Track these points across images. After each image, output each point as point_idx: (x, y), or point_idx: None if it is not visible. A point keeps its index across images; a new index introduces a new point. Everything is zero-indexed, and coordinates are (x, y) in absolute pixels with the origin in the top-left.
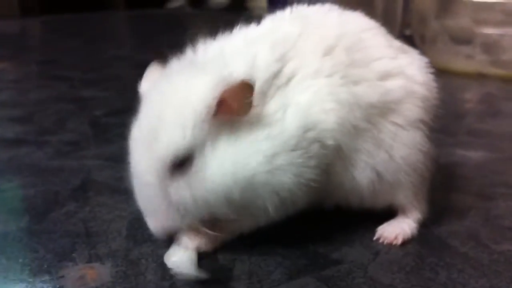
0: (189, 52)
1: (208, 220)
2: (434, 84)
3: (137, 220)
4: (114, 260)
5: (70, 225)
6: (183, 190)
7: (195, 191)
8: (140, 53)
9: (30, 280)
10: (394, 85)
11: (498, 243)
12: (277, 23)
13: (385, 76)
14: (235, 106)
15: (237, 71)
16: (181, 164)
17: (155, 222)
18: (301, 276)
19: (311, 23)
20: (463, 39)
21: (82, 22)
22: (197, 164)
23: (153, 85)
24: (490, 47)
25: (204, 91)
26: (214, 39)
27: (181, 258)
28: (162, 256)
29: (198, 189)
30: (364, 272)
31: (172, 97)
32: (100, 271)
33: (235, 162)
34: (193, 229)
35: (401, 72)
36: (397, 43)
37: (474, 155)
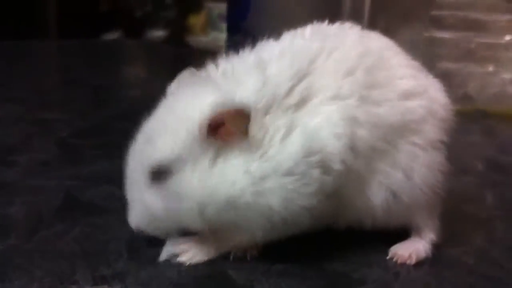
0: (209, 66)
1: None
2: (452, 107)
3: (136, 241)
4: (122, 282)
5: (63, 245)
6: (156, 198)
7: (167, 203)
8: (89, 78)
9: None
10: (416, 104)
11: (510, 262)
12: (297, 41)
13: (407, 95)
14: (231, 130)
15: (246, 90)
16: (161, 173)
17: (131, 217)
18: None
19: (331, 41)
20: None
21: (16, 49)
22: (175, 177)
23: (171, 93)
24: (445, 81)
25: (204, 108)
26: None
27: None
28: (174, 278)
29: (170, 200)
30: None
31: (177, 107)
32: None
33: (218, 181)
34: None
35: (424, 91)
36: (415, 63)
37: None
